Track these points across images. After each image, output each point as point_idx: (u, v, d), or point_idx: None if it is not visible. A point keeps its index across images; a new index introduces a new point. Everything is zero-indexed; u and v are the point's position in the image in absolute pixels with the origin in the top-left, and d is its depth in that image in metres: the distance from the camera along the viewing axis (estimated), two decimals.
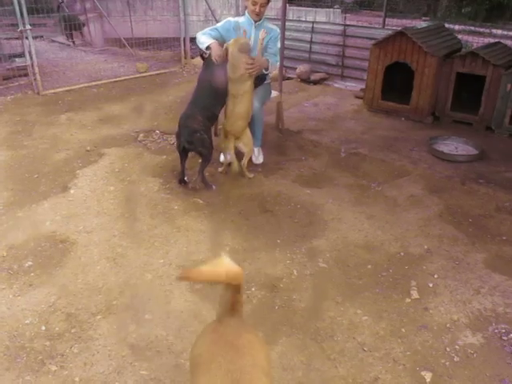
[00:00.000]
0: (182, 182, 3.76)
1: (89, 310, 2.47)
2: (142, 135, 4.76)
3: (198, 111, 3.60)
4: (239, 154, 3.89)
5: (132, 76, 7.24)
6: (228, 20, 4.08)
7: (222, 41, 3.93)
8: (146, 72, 7.44)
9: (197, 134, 3.52)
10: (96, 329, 2.35)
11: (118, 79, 7.03)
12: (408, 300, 2.60)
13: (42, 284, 2.65)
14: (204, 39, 3.88)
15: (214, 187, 3.73)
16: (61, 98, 6.10)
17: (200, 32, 4.02)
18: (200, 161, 3.69)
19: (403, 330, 2.40)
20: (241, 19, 4.08)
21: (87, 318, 2.41)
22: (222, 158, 4.13)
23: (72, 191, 3.67)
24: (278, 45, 4.26)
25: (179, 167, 3.75)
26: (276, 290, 2.64)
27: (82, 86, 6.63)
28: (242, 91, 3.73)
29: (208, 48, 3.82)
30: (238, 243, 3.05)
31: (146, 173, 3.97)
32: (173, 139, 4.64)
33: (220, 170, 4.03)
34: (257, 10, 3.89)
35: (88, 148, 4.44)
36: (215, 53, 3.76)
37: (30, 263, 2.82)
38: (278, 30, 4.18)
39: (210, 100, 3.69)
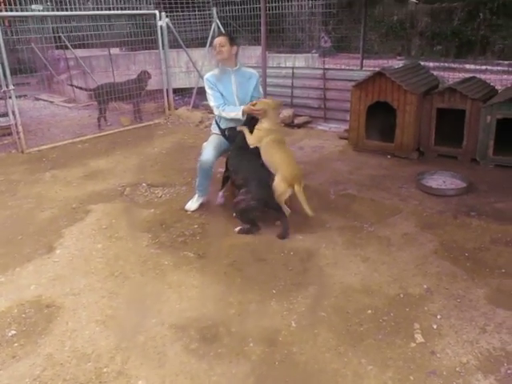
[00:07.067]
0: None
1: (77, 380, 2.31)
2: (128, 189, 4.69)
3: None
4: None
5: (116, 130, 7.25)
6: (207, 80, 4.06)
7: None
8: (130, 125, 7.47)
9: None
10: None
11: (102, 134, 7.03)
12: (413, 344, 2.49)
13: (26, 355, 2.49)
14: (232, 109, 3.95)
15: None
16: (45, 155, 6.06)
17: (214, 107, 4.03)
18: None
19: (411, 377, 2.28)
20: (216, 71, 4.12)
21: None
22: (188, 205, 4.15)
23: (58, 251, 3.55)
24: (261, 90, 4.35)
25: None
26: (275, 345, 2.52)
27: (66, 142, 6.61)
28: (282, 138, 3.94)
29: (244, 113, 3.89)
30: (233, 296, 2.94)
31: (134, 228, 3.87)
32: (160, 192, 4.58)
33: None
34: (217, 49, 3.98)
35: (74, 205, 4.36)
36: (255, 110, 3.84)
37: (14, 332, 2.66)
38: (257, 74, 4.25)
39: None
